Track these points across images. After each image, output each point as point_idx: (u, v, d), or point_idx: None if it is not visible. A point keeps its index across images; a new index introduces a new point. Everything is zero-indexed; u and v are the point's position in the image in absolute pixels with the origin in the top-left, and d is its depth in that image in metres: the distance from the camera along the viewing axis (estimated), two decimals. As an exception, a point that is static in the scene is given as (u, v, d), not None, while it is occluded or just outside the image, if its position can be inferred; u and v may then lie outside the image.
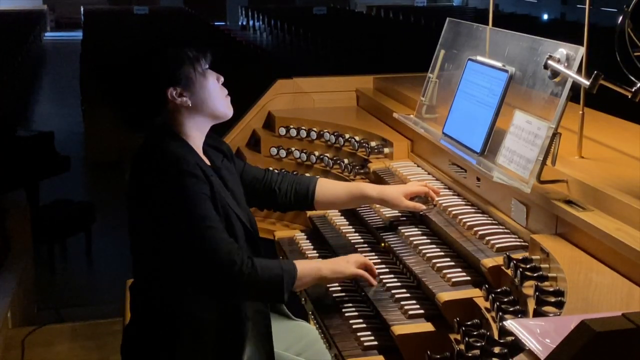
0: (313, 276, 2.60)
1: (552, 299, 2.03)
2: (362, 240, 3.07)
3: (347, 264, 2.66)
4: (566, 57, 2.48)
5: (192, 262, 2.44)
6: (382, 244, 2.95)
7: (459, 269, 2.55)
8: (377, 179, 3.35)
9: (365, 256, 2.80)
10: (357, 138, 3.67)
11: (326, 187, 3.00)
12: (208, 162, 2.61)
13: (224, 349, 2.53)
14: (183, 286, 2.49)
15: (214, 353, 2.52)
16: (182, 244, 2.44)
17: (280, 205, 3.01)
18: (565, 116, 2.46)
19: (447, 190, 3.06)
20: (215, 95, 2.61)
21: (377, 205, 3.15)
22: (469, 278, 2.49)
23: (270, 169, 3.10)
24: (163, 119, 2.57)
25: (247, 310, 2.56)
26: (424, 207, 2.94)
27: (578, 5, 20.95)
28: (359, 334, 2.55)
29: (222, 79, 2.65)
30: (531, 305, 2.06)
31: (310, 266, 2.63)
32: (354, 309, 2.72)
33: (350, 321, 2.63)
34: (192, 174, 2.44)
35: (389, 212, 3.09)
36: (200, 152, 2.60)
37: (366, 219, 3.14)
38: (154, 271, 2.54)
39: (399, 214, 3.06)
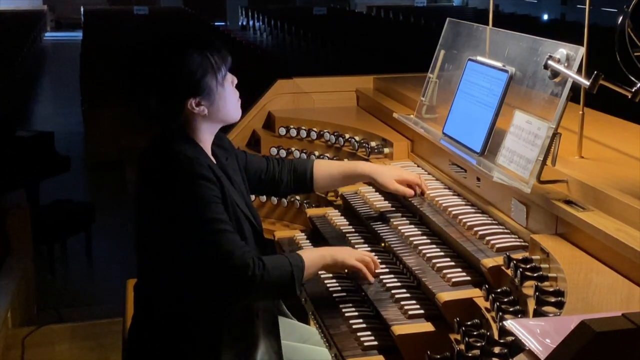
0: (318, 265, 2.64)
1: (552, 299, 2.03)
2: (362, 240, 3.07)
3: (349, 256, 2.69)
4: (566, 57, 2.48)
5: (206, 265, 2.44)
6: (382, 244, 2.95)
7: (459, 269, 2.55)
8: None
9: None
10: (357, 138, 3.67)
11: (322, 170, 3.06)
12: (215, 162, 2.61)
13: (236, 348, 2.55)
14: (194, 288, 2.49)
15: (227, 353, 2.53)
16: (196, 247, 2.43)
17: (282, 194, 3.11)
18: (565, 116, 2.46)
19: (447, 190, 3.06)
20: (230, 102, 2.60)
21: (377, 205, 3.15)
22: (469, 278, 2.49)
23: (271, 157, 3.10)
24: (176, 122, 2.54)
25: (257, 309, 2.60)
26: (412, 192, 3.01)
27: (578, 5, 20.95)
28: (359, 334, 2.55)
29: (235, 81, 2.63)
30: (531, 305, 2.06)
31: (315, 254, 2.66)
32: (354, 309, 2.72)
33: (350, 321, 2.63)
34: (204, 177, 2.44)
35: (389, 212, 3.09)
36: (209, 153, 2.61)
37: (365, 218, 3.14)
38: (164, 272, 2.53)
39: (399, 213, 3.06)
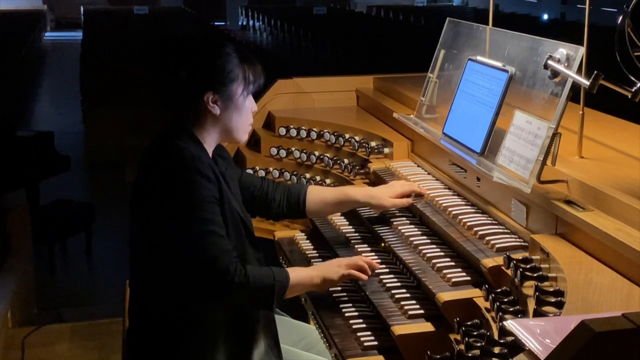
0: (305, 285, 2.63)
1: (552, 299, 2.03)
2: (361, 240, 3.07)
3: (337, 269, 2.67)
4: (566, 57, 2.48)
5: (188, 264, 2.44)
6: (382, 244, 2.95)
7: (459, 269, 2.55)
8: (377, 179, 3.35)
9: (365, 256, 2.81)
10: (357, 138, 3.67)
11: (315, 196, 3.03)
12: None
13: (234, 348, 2.54)
14: (185, 286, 2.48)
15: (224, 353, 2.52)
16: (182, 244, 2.43)
17: (274, 215, 3.05)
18: (565, 116, 2.46)
19: (447, 190, 3.06)
20: (243, 121, 2.62)
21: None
22: (469, 278, 2.49)
23: (267, 177, 3.11)
24: (185, 116, 2.56)
25: (255, 310, 2.60)
26: (410, 200, 3.01)
27: (578, 5, 20.96)
28: (359, 334, 2.55)
29: (255, 109, 2.67)
30: (531, 305, 2.06)
31: (303, 274, 2.64)
32: (354, 309, 2.72)
33: (350, 321, 2.63)
34: (204, 175, 2.44)
35: (389, 212, 3.08)
36: (211, 156, 2.61)
37: (365, 218, 3.14)
38: (157, 270, 2.53)
39: (399, 213, 3.06)
